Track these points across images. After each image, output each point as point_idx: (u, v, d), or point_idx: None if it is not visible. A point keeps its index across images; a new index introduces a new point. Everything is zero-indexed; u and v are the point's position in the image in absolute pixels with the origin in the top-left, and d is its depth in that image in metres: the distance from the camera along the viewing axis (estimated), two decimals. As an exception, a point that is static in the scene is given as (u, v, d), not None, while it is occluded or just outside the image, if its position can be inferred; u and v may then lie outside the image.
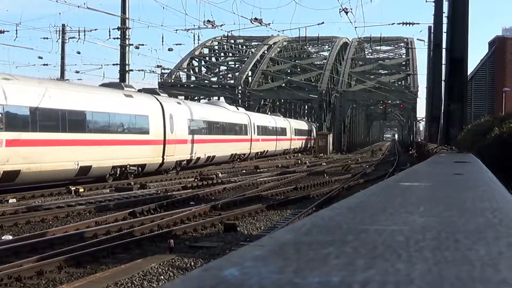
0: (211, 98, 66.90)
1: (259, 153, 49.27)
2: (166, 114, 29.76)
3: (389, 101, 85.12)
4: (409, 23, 46.46)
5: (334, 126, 70.93)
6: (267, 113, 65.95)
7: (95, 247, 11.28)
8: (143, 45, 47.80)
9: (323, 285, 1.08)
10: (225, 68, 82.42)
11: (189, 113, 33.36)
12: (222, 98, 70.63)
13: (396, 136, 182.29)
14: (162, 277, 9.64)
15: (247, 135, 44.94)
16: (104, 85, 29.84)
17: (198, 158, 33.98)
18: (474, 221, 1.97)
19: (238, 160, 42.77)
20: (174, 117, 30.47)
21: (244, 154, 44.56)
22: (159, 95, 31.59)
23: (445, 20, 25.30)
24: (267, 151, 51.40)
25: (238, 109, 47.05)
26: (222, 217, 15.54)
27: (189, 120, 32.87)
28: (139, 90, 31.89)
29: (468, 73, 28.44)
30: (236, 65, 79.64)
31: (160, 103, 29.75)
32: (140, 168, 27.15)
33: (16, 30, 41.24)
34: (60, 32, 46.91)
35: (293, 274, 1.15)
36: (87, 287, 8.81)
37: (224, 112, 41.49)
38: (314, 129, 70.57)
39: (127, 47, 43.35)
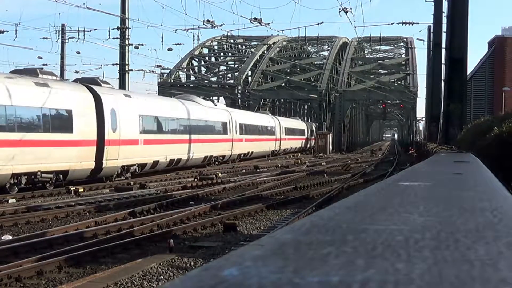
0: (211, 98, 66.75)
1: (243, 155, 43.97)
2: (106, 109, 24.42)
3: (389, 101, 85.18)
4: (409, 23, 46.49)
5: (333, 126, 70.96)
6: (266, 112, 62.48)
7: (94, 247, 11.29)
8: (142, 45, 47.93)
9: (323, 284, 1.08)
10: (225, 68, 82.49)
11: (142, 109, 27.83)
12: (222, 98, 70.82)
13: (396, 135, 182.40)
14: (162, 277, 9.64)
15: (227, 135, 39.47)
16: (16, 71, 23.82)
17: (157, 162, 28.78)
18: (474, 221, 1.97)
19: (217, 163, 37.96)
20: (118, 113, 25.06)
21: (223, 156, 39.31)
22: (100, 85, 25.94)
23: (444, 20, 25.31)
24: (252, 152, 46.03)
25: (216, 105, 41.74)
26: (222, 217, 15.54)
27: (141, 117, 27.37)
28: (76, 80, 26.95)
29: (468, 73, 28.45)
30: (236, 65, 79.69)
31: (96, 95, 24.29)
32: (61, 176, 22.17)
33: (16, 30, 41.27)
34: (60, 32, 46.90)
35: (293, 274, 1.15)
36: (87, 287, 8.81)
37: (196, 108, 35.34)
38: (313, 129, 70.15)
39: (127, 47, 43.36)
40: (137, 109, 27.36)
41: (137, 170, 27.14)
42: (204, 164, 35.47)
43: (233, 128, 40.70)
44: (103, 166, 24.31)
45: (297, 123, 65.53)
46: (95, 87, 24.95)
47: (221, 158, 38.77)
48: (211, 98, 58.10)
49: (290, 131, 59.34)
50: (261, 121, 50.73)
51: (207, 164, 35.99)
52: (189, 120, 33.19)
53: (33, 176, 20.88)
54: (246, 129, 44.23)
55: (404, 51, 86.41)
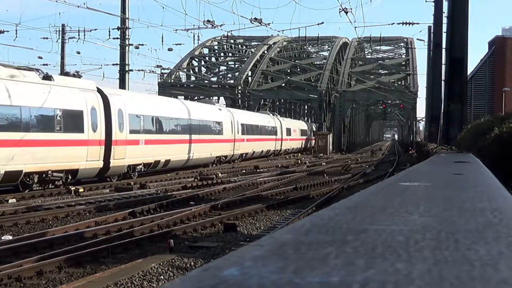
0: (211, 98, 66.56)
1: (141, 166, 27.59)
2: None
3: (389, 101, 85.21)
4: (409, 23, 46.52)
5: (334, 126, 70.95)
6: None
7: (95, 247, 11.29)
8: (143, 45, 47.87)
9: (323, 285, 1.08)
10: (225, 68, 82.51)
11: None
12: (224, 99, 70.73)
13: (396, 136, 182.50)
14: (162, 277, 9.64)
15: (96, 133, 23.81)
16: None
17: None
18: (474, 221, 1.97)
19: (61, 184, 21.97)
20: None
21: (78, 170, 22.86)
22: None
23: (445, 20, 25.32)
24: (168, 161, 29.98)
25: (73, 81, 23.71)
26: (222, 217, 15.55)
27: None
28: None
29: (468, 73, 28.45)
30: (236, 65, 79.71)
31: None
32: None
33: (16, 30, 41.22)
34: (60, 32, 46.93)
35: (293, 274, 1.15)
36: (87, 287, 8.81)
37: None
38: (309, 128, 69.78)
39: (127, 47, 43.38)
40: None
41: None
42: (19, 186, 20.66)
43: (116, 122, 25.30)
44: None
45: (264, 119, 51.56)
46: None
47: (64, 173, 22.11)
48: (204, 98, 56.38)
49: (252, 130, 45.84)
50: (195, 114, 34.48)
51: (21, 188, 20.67)
52: None
53: None
54: (157, 125, 29.59)
55: (404, 51, 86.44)
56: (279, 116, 61.01)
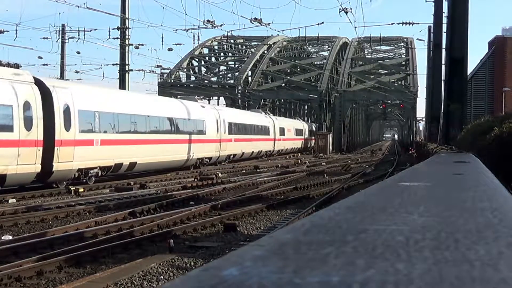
0: (211, 98, 66.46)
1: (99, 171, 23.92)
2: None
3: (389, 101, 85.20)
4: (409, 23, 46.54)
5: (334, 126, 70.95)
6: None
7: (95, 247, 11.29)
8: (143, 45, 47.86)
9: (323, 285, 1.08)
10: (225, 68, 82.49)
11: None
12: (224, 99, 70.74)
13: (396, 136, 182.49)
14: (162, 277, 9.65)
15: (31, 132, 20.19)
16: None
17: None
18: (474, 221, 1.97)
19: None
20: None
21: (30, 174, 20.28)
22: None
23: (445, 20, 25.30)
24: (134, 163, 26.44)
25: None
26: (222, 217, 15.55)
27: None
28: None
29: (468, 73, 28.45)
30: (236, 65, 79.70)
31: None
32: None
33: (16, 30, 41.19)
34: (60, 32, 46.95)
35: (293, 274, 1.15)
36: (87, 287, 8.81)
37: None
38: (311, 128, 69.83)
39: (127, 47, 43.37)
40: None
41: None
42: None
43: (57, 120, 21.45)
44: None
45: (255, 118, 48.45)
46: None
47: None
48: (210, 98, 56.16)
49: (241, 129, 42.54)
50: (169, 111, 31.02)
51: None
52: None
53: None
54: (117, 123, 25.49)
55: (404, 51, 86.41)
56: (271, 114, 58.06)
